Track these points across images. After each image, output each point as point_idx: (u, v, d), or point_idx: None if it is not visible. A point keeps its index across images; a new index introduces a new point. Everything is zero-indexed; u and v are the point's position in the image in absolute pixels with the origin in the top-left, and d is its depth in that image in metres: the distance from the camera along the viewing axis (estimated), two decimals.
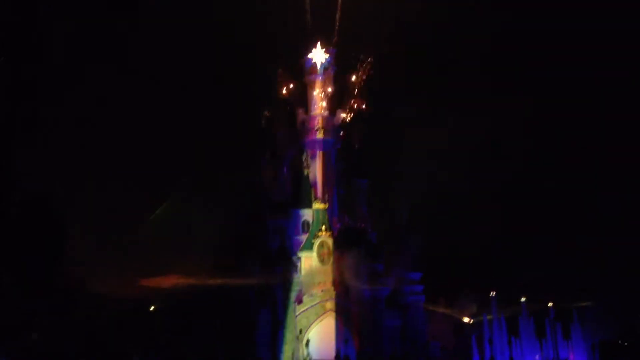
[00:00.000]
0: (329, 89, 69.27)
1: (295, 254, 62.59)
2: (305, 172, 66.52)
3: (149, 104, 72.31)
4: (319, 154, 67.22)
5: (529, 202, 75.06)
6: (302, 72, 69.71)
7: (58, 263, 44.92)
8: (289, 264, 61.52)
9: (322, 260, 61.60)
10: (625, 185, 73.15)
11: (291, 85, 69.77)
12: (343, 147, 69.27)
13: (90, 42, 67.84)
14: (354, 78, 69.25)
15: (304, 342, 58.10)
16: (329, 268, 61.09)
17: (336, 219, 66.03)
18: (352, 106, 69.78)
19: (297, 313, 59.25)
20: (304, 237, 63.61)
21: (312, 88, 68.96)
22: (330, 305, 59.63)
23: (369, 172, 68.21)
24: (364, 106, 69.26)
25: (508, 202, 74.12)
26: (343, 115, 69.37)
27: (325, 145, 67.45)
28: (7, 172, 39.05)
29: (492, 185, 73.10)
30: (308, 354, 57.77)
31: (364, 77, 69.27)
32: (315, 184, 66.42)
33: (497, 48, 77.31)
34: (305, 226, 64.68)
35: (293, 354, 57.91)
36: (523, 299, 62.03)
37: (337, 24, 66.95)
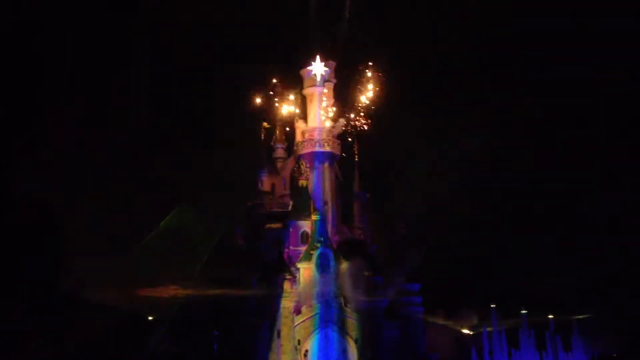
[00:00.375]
0: (329, 101, 69.35)
1: (294, 265, 62.53)
2: (304, 183, 66.67)
3: (149, 109, 72.35)
4: (318, 166, 67.23)
5: (530, 210, 74.78)
6: (302, 84, 69.94)
7: (56, 269, 44.83)
8: (287, 275, 61.39)
9: (320, 271, 61.58)
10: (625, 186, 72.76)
11: (291, 97, 70.23)
12: (342, 158, 69.34)
13: (90, 43, 67.98)
14: (356, 91, 69.48)
15: (302, 353, 57.90)
16: (327, 279, 61.03)
17: (335, 231, 66.03)
18: (353, 119, 69.96)
19: (295, 324, 59.05)
20: (302, 249, 63.61)
21: (312, 100, 69.08)
22: (328, 316, 59.55)
23: (368, 184, 68.36)
24: (364, 122, 69.37)
25: (508, 212, 73.93)
26: (343, 127, 69.44)
27: (324, 157, 67.44)
28: (6, 175, 39.09)
29: (492, 195, 72.97)
30: None
31: (367, 90, 69.46)
32: (314, 196, 66.36)
33: (494, 49, 77.32)
34: (304, 237, 64.82)
35: None
36: (523, 311, 61.85)
37: (341, 33, 67.35)
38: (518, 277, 69.09)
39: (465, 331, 64.58)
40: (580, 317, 63.60)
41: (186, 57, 76.29)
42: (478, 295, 63.81)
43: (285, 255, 63.71)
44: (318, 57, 68.23)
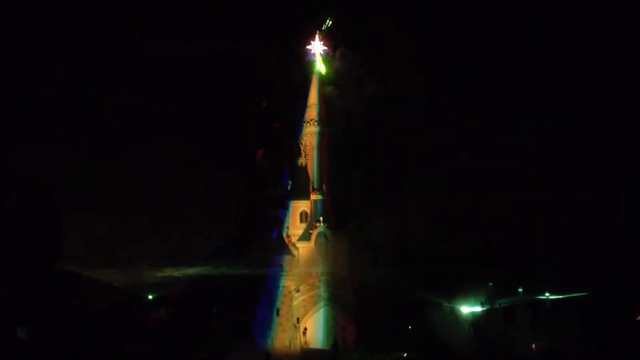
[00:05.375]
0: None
1: (293, 244, 63.18)
2: (303, 163, 66.90)
3: (146, 93, 72.09)
4: (316, 145, 67.41)
5: (527, 192, 74.36)
6: (300, 63, 69.83)
7: (55, 251, 45.27)
8: (287, 255, 61.97)
9: (319, 250, 62.31)
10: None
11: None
12: (341, 138, 69.29)
13: (93, 34, 67.76)
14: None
15: (302, 330, 58.72)
16: (326, 258, 61.74)
17: (334, 210, 66.35)
18: (351, 97, 69.79)
19: (294, 302, 59.90)
20: (302, 228, 64.21)
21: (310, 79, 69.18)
22: (327, 294, 60.35)
23: (367, 163, 68.31)
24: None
25: (508, 193, 73.56)
26: (341, 105, 69.32)
27: (322, 136, 67.69)
28: (4, 159, 39.29)
29: (494, 177, 72.44)
30: (305, 342, 58.44)
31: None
32: (312, 176, 66.71)
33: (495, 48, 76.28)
34: (303, 217, 65.25)
35: (290, 342, 58.45)
36: (520, 289, 62.16)
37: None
38: (518, 256, 69.09)
39: (463, 308, 64.96)
40: (578, 295, 63.87)
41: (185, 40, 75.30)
42: (476, 273, 63.87)
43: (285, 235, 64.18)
44: (317, 37, 68.46)
